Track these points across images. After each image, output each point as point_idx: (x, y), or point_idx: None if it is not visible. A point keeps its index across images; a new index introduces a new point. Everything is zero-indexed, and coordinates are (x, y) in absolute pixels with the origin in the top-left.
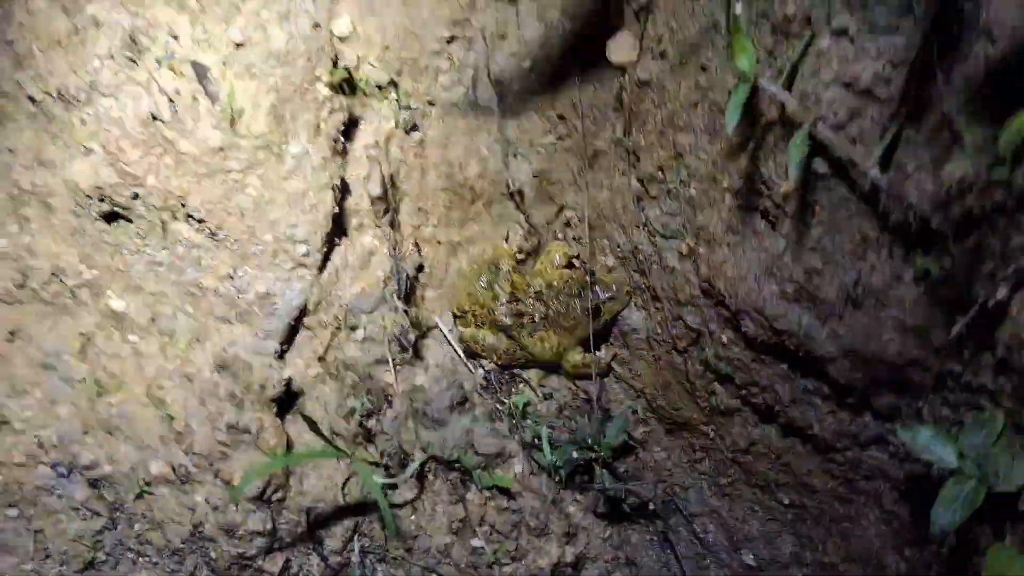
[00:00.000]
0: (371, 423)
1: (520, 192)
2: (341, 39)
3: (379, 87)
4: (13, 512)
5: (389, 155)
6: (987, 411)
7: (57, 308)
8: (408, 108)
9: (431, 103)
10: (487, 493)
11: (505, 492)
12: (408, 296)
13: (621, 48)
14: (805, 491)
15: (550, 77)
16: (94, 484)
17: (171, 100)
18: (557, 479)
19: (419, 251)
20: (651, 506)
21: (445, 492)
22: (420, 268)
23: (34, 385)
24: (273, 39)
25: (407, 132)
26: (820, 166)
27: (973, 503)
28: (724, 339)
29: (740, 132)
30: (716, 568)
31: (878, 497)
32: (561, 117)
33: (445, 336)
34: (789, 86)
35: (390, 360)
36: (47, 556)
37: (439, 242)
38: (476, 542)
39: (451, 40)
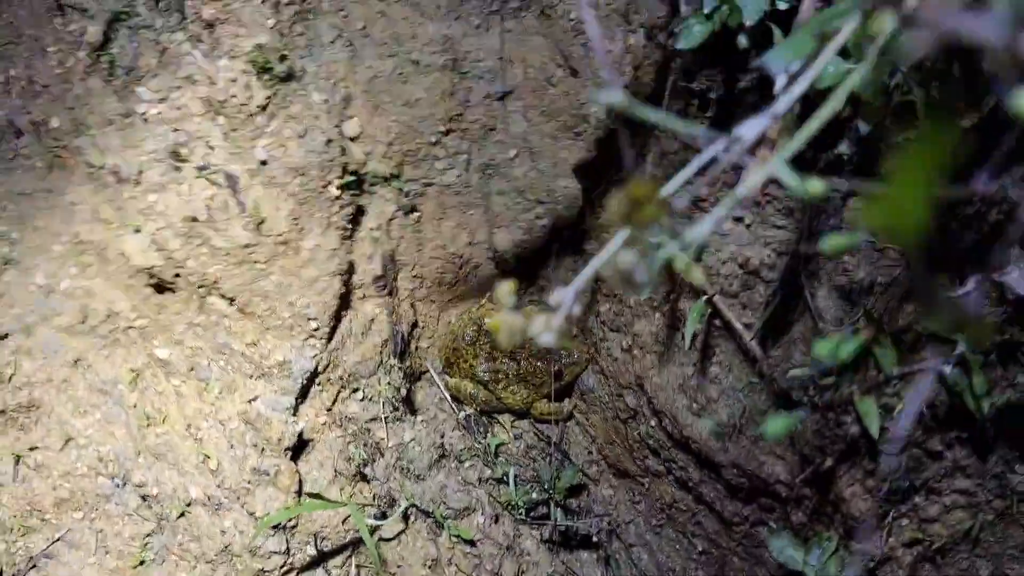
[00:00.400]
0: (367, 470)
1: (504, 259)
2: (352, 139)
3: (384, 178)
4: (79, 515)
5: (390, 235)
6: (827, 533)
7: (111, 343)
8: (408, 194)
9: (428, 185)
10: (455, 539)
11: (468, 541)
12: (403, 353)
13: (574, 153)
14: (712, 544)
15: (530, 165)
16: (144, 498)
17: (207, 205)
18: (518, 514)
19: (414, 310)
20: (594, 538)
21: (424, 531)
22: (415, 324)
23: (94, 407)
24: (292, 155)
25: (406, 214)
26: (718, 321)
27: None
28: (652, 424)
29: (661, 278)
30: None
31: (765, 562)
32: (540, 202)
33: (435, 379)
34: (698, 259)
35: (383, 419)
36: (107, 552)
37: (432, 301)
38: None
39: (447, 133)
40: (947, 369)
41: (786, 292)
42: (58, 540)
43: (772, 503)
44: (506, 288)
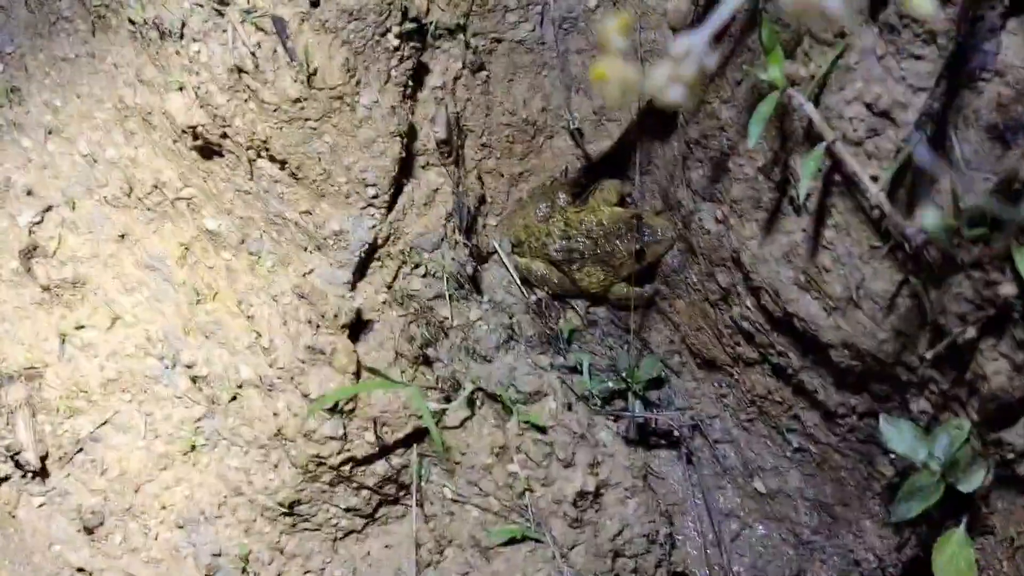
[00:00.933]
0: (430, 351)
1: (580, 129)
2: None
3: (448, 30)
4: (127, 396)
5: (455, 95)
6: (956, 420)
7: (159, 215)
8: (475, 50)
9: (497, 40)
10: (524, 425)
11: (539, 427)
12: (469, 229)
13: (678, 7)
14: (810, 440)
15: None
16: (194, 379)
17: (253, 53)
18: (593, 404)
19: (482, 183)
20: (675, 433)
21: (491, 417)
22: (482, 199)
23: (141, 284)
24: None
25: (473, 72)
26: (837, 175)
27: (932, 497)
28: (748, 303)
29: (768, 130)
30: (732, 489)
31: (870, 458)
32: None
33: (503, 260)
34: (816, 98)
35: (447, 297)
36: (156, 436)
37: (501, 174)
38: (512, 467)
39: None
40: None
41: (924, 137)
42: (105, 423)
43: (889, 390)
44: (616, 24)
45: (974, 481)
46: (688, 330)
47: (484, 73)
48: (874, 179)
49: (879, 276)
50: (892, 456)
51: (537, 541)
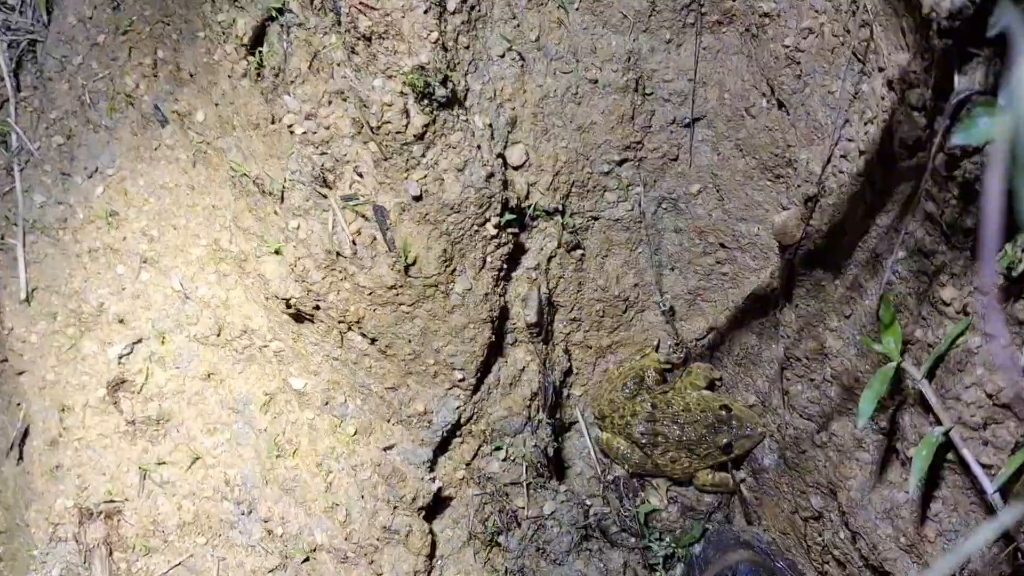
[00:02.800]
0: (501, 539)
1: (672, 308)
2: (515, 167)
3: (547, 212)
4: (202, 540)
5: (549, 273)
6: None
7: (246, 359)
8: (573, 230)
9: (595, 219)
10: None
11: None
12: (554, 407)
13: (786, 224)
14: None
15: (716, 203)
16: (269, 532)
17: (353, 241)
18: None
19: (568, 356)
20: None
21: None
22: (568, 371)
23: (224, 426)
24: (448, 191)
25: (569, 251)
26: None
27: None
28: (842, 535)
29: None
30: None
31: None
32: (723, 245)
33: (584, 431)
34: (930, 372)
35: (524, 485)
36: None
37: (589, 346)
38: None
39: (622, 162)
40: None
41: None
42: (179, 564)
43: None
44: None
45: None
46: (775, 533)
47: (579, 251)
48: (988, 468)
49: (986, 561)
50: None
51: None
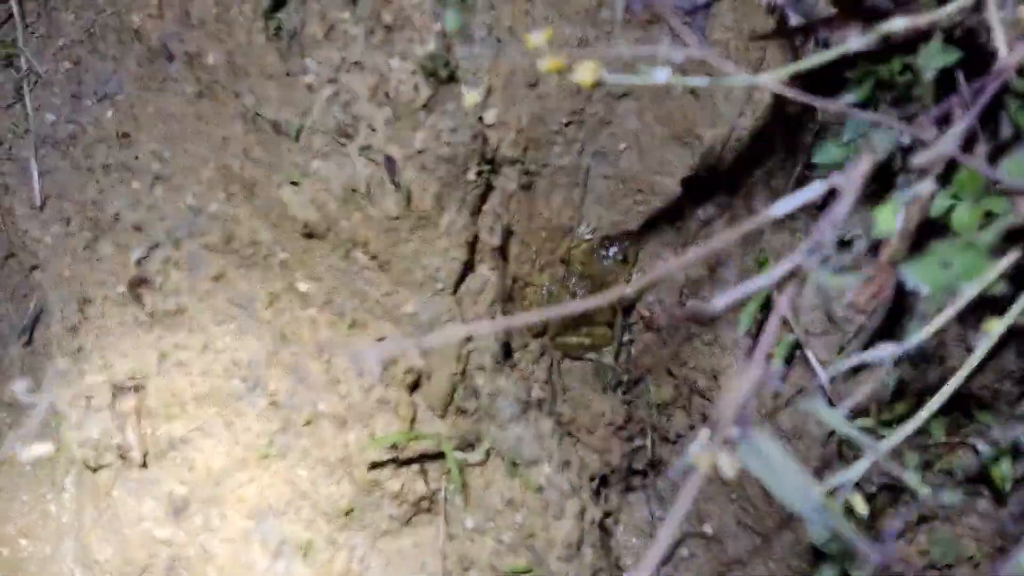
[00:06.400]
0: (465, 407)
1: (595, 231)
2: (488, 125)
3: (510, 161)
4: (214, 410)
5: (509, 208)
6: None
7: (251, 265)
8: (527, 173)
9: (544, 166)
10: (525, 484)
11: (536, 488)
12: (505, 306)
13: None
14: (751, 505)
15: (637, 159)
16: (273, 403)
17: (367, 181)
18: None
19: (518, 270)
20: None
21: (501, 468)
22: (515, 279)
23: (231, 319)
24: (443, 147)
25: (523, 189)
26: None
27: None
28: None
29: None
30: (686, 526)
31: (794, 528)
32: (639, 190)
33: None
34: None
35: (486, 369)
36: (236, 443)
37: (534, 263)
38: (518, 517)
39: (568, 124)
40: None
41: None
42: (195, 429)
43: None
44: None
45: None
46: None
47: (531, 192)
48: (823, 363)
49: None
50: None
51: (539, 574)
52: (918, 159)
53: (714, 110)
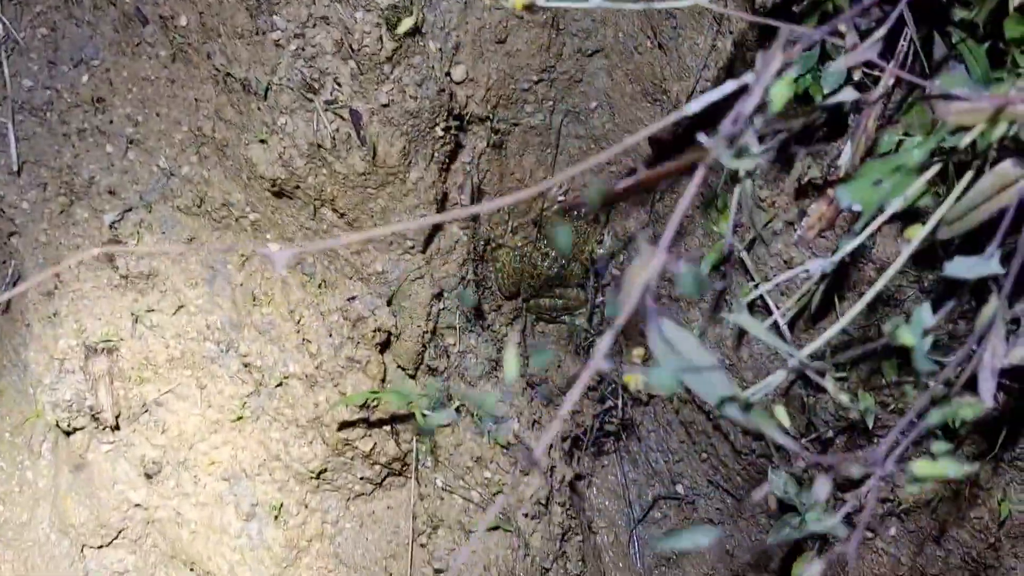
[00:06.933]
0: (435, 366)
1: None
2: (457, 83)
3: (480, 118)
4: (187, 372)
5: (479, 167)
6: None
7: (223, 227)
8: (497, 132)
9: (515, 125)
10: (493, 441)
11: (504, 445)
12: (477, 266)
13: (660, 134)
14: (721, 464)
15: (608, 117)
16: (245, 364)
17: (333, 136)
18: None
19: (490, 230)
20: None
21: (471, 427)
22: (488, 242)
23: (203, 281)
24: (409, 101)
25: (494, 149)
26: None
27: (798, 531)
28: None
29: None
30: (659, 487)
31: (761, 485)
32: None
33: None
34: (749, 248)
35: (456, 328)
36: (209, 406)
37: (507, 223)
38: (487, 474)
39: (538, 82)
40: None
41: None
42: (168, 392)
43: (776, 453)
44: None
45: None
46: None
47: (502, 151)
48: (780, 308)
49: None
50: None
51: (506, 530)
52: (836, 63)
53: (680, 63)
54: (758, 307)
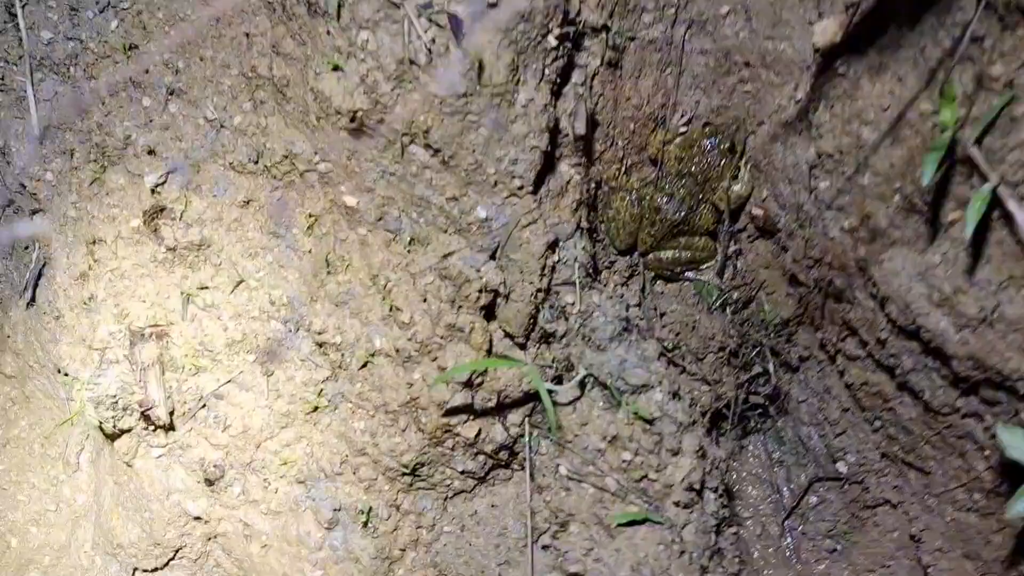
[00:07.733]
0: (552, 331)
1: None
2: None
3: (594, 29)
4: (251, 357)
5: (592, 91)
6: None
7: (286, 184)
8: (614, 47)
9: (632, 39)
10: (633, 416)
11: (646, 419)
12: (588, 214)
13: (827, 30)
14: (903, 432)
15: (744, 23)
16: (320, 344)
17: (428, 48)
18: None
19: (603, 170)
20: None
21: (600, 401)
22: (599, 184)
23: (265, 250)
24: (520, 1)
25: (608, 67)
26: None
27: None
28: (867, 306)
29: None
30: (814, 468)
31: (964, 453)
32: (747, 64)
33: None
34: (979, 140)
35: (576, 283)
36: (279, 396)
37: (621, 161)
38: (626, 455)
39: None
40: None
41: None
42: (229, 382)
43: (1001, 397)
44: None
45: None
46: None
47: (617, 71)
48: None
49: (1015, 303)
50: (987, 454)
51: (655, 522)
52: None
53: None
54: (991, 220)
